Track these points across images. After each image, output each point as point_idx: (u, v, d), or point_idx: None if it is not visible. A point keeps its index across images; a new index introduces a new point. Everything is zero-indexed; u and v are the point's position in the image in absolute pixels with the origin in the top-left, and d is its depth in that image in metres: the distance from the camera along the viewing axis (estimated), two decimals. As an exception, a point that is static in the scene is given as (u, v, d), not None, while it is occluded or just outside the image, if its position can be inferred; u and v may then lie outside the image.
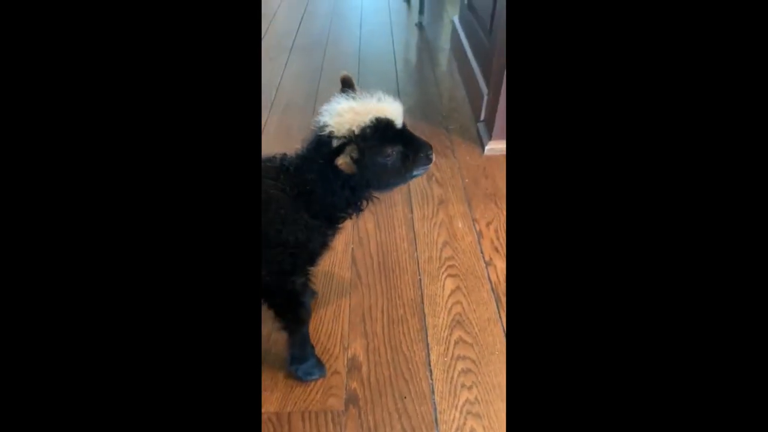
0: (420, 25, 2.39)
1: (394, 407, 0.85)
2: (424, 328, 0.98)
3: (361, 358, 0.92)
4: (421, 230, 1.22)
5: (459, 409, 0.85)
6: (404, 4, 2.68)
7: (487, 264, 1.12)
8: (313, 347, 0.88)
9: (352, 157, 0.66)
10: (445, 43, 2.21)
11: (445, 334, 0.97)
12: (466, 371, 0.90)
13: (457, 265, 1.12)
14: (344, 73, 0.74)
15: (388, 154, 0.68)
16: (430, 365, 0.91)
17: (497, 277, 1.09)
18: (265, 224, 0.69)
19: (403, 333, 0.97)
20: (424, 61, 2.09)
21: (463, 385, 0.88)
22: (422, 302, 1.03)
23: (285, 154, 0.75)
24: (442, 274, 1.10)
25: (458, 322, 0.99)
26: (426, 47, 2.22)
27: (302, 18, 2.51)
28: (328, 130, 0.67)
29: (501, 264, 1.12)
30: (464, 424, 0.82)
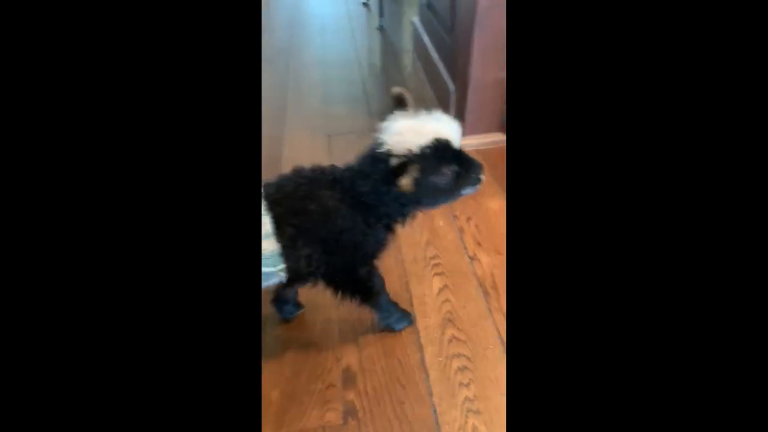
0: (381, 29, 2.40)
1: (393, 414, 0.83)
2: (415, 330, 0.97)
3: (355, 368, 0.90)
4: (402, 232, 1.20)
5: (459, 408, 0.84)
6: (363, 9, 2.68)
7: (472, 259, 1.12)
8: (395, 303, 0.93)
9: (413, 177, 0.68)
10: (408, 44, 2.22)
11: (438, 333, 0.96)
12: (462, 369, 0.89)
13: (442, 263, 1.12)
14: (396, 89, 0.76)
15: (444, 173, 0.70)
16: (425, 367, 0.90)
17: (483, 271, 1.09)
18: (326, 234, 0.74)
19: (395, 337, 0.95)
20: (389, 63, 2.10)
21: (460, 384, 0.87)
22: (411, 304, 1.02)
23: (333, 166, 0.78)
24: (429, 273, 1.09)
25: (449, 320, 0.98)
26: (390, 50, 2.22)
27: (262, 29, 2.49)
28: (386, 148, 0.69)
29: (485, 258, 1.12)
30: (466, 422, 0.82)
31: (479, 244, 1.16)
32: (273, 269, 0.73)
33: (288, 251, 0.73)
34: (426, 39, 1.85)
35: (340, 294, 0.84)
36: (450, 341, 0.94)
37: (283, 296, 0.96)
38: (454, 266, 1.11)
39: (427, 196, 0.73)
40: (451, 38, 1.51)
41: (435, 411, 0.83)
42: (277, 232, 0.72)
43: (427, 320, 0.99)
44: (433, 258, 1.13)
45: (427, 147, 0.67)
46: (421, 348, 0.93)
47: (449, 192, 0.73)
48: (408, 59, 2.11)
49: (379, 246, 0.81)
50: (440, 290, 1.05)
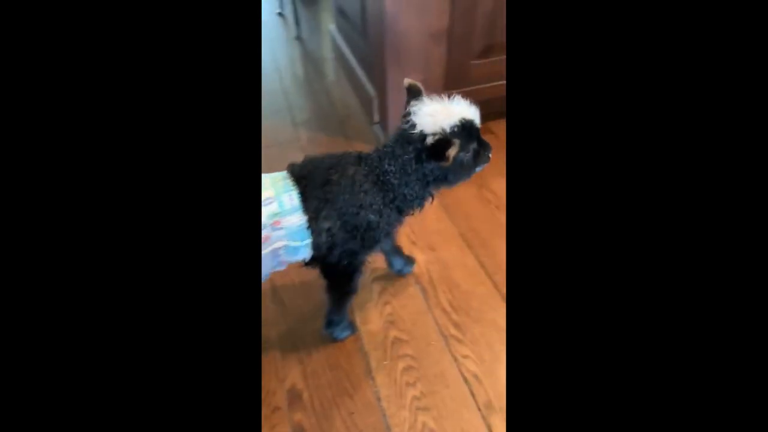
0: (299, 38, 2.38)
1: (343, 426, 0.82)
2: (359, 337, 0.96)
3: (300, 385, 0.88)
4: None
5: (408, 408, 0.84)
6: (279, 19, 2.65)
7: (408, 259, 1.14)
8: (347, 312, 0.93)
9: (455, 151, 0.73)
10: (327, 52, 2.22)
11: (381, 337, 0.96)
12: (407, 369, 0.90)
13: (380, 267, 1.12)
14: (409, 80, 0.80)
15: (469, 150, 0.76)
16: (371, 373, 0.90)
17: (419, 269, 1.11)
18: (346, 205, 0.75)
19: (339, 348, 0.94)
20: (311, 73, 2.08)
21: (407, 384, 0.88)
22: (353, 311, 1.01)
23: (361, 152, 0.81)
24: (368, 278, 1.09)
25: (390, 322, 0.99)
26: (310, 59, 2.21)
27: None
28: (419, 128, 0.74)
29: (420, 256, 1.14)
30: (416, 421, 0.82)
31: (413, 242, 1.18)
32: (300, 243, 0.75)
33: (312, 224, 0.75)
34: (344, 46, 1.86)
35: (331, 281, 0.86)
36: (393, 343, 0.95)
37: None
38: (392, 268, 1.11)
39: (454, 172, 0.78)
40: (365, 44, 1.53)
41: (385, 415, 0.83)
42: (304, 205, 0.75)
43: (370, 325, 0.98)
44: (371, 263, 1.13)
45: (456, 126, 0.73)
46: (365, 354, 0.93)
47: (469, 169, 0.79)
48: (329, 68, 2.10)
49: (389, 229, 0.83)
50: (380, 293, 1.05)
